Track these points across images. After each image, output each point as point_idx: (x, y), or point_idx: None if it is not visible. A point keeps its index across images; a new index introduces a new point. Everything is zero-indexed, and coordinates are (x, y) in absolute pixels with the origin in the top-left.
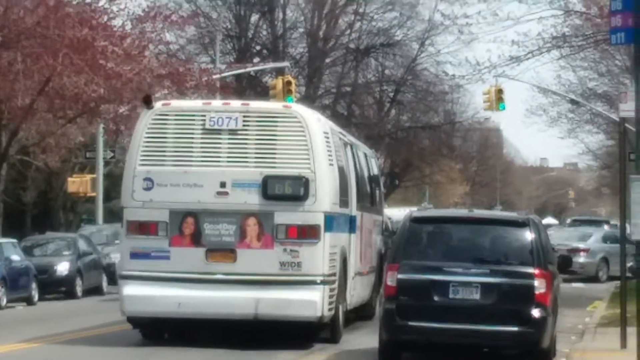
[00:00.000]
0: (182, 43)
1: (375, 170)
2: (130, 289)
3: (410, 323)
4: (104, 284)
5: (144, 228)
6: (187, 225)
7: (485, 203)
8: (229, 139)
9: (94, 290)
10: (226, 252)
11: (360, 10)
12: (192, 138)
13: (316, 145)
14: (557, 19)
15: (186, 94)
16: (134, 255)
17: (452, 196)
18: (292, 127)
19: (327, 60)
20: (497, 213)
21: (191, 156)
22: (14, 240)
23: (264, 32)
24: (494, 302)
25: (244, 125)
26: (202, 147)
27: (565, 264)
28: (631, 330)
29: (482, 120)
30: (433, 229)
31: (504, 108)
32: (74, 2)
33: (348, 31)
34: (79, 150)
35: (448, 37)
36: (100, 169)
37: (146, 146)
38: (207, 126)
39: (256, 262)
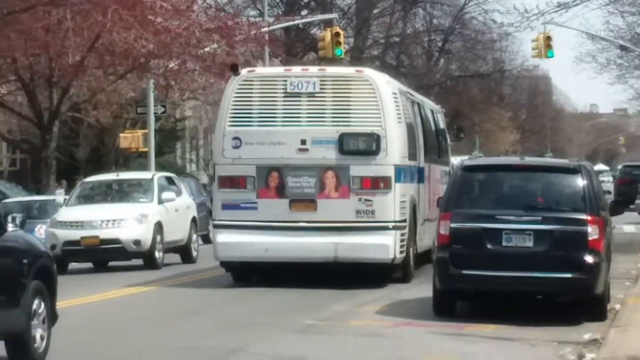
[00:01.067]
0: None
1: (441, 125)
2: (222, 237)
3: (464, 271)
4: None
5: (233, 182)
6: (272, 179)
7: (536, 150)
8: (308, 101)
9: None
10: (307, 202)
11: None
12: (275, 101)
13: (386, 105)
14: None
15: (235, 48)
16: (225, 206)
17: (503, 144)
18: (364, 89)
19: (375, 11)
20: (548, 160)
21: (274, 117)
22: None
23: None
24: (547, 249)
25: (320, 89)
26: (283, 109)
27: (617, 210)
28: None
29: (531, 68)
30: (484, 177)
31: (552, 55)
32: None
33: None
34: (130, 106)
35: None
36: (152, 124)
37: (234, 109)
38: (288, 90)
39: (334, 211)
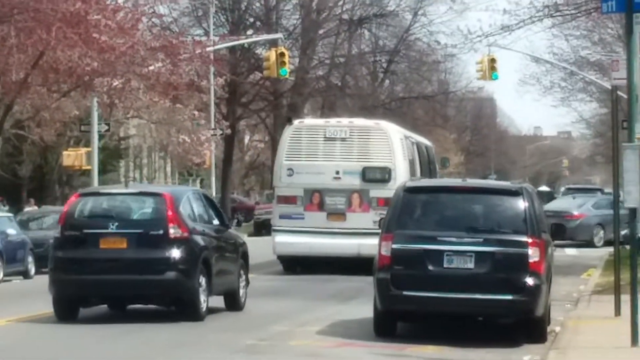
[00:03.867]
0: (176, 16)
1: (432, 157)
2: (279, 238)
3: (405, 292)
4: None
5: (288, 200)
6: (315, 198)
7: (480, 172)
8: (341, 144)
9: None
10: (339, 214)
11: None
12: (317, 143)
13: (395, 147)
14: None
15: (180, 66)
16: (282, 216)
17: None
18: (380, 136)
19: (321, 31)
20: (490, 182)
21: (317, 154)
22: (10, 215)
23: (257, 4)
24: (488, 270)
25: (350, 135)
26: (323, 149)
27: (558, 232)
28: (625, 298)
29: (476, 89)
30: (427, 199)
31: (496, 77)
32: None
33: (341, 2)
34: (74, 124)
35: (440, 6)
36: (95, 142)
37: (289, 148)
38: (327, 135)
39: (358, 221)
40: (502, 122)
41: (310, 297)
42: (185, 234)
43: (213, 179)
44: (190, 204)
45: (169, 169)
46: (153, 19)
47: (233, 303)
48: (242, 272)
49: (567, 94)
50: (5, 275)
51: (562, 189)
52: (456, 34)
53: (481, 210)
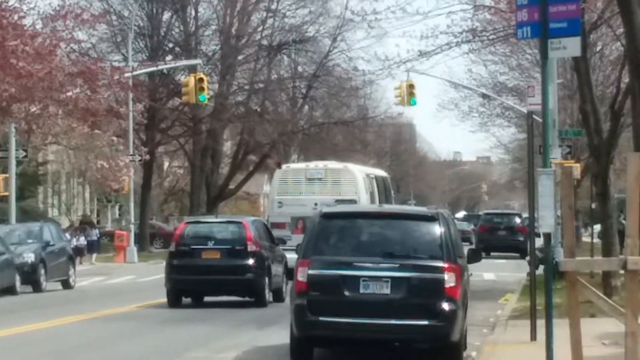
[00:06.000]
0: (94, 41)
1: (388, 186)
2: None
3: (322, 318)
4: (17, 283)
5: (279, 225)
6: (299, 224)
7: (399, 198)
8: (318, 182)
9: (7, 291)
10: None
11: (273, 7)
12: (301, 182)
13: (359, 184)
14: (467, 13)
15: (98, 92)
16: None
17: None
18: (348, 176)
19: (240, 57)
20: (407, 208)
21: (300, 191)
22: None
23: (177, 30)
24: (404, 296)
25: (325, 176)
26: (305, 186)
27: (475, 257)
28: (541, 323)
29: (395, 115)
30: (343, 225)
31: (415, 103)
32: None
33: (260, 28)
34: None
35: (359, 32)
36: (13, 168)
37: (279, 186)
38: (307, 176)
39: None
40: (421, 147)
41: (230, 324)
42: (258, 249)
43: (132, 204)
44: (257, 229)
45: (87, 194)
46: (71, 45)
47: (278, 297)
48: (284, 276)
49: (485, 119)
50: None
51: (481, 213)
52: (375, 59)
53: (397, 235)
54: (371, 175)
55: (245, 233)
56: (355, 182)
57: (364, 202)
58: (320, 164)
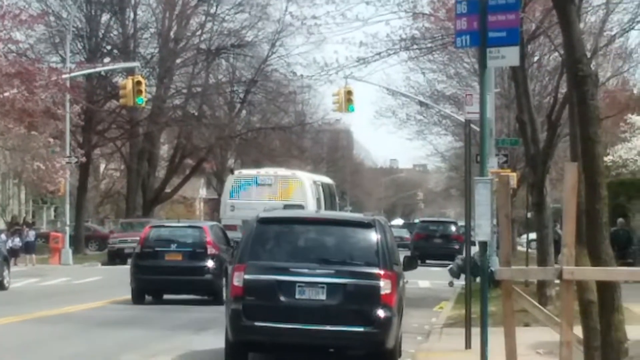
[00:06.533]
0: (32, 42)
1: (334, 192)
2: None
3: (257, 323)
4: None
5: (230, 227)
6: None
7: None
8: (268, 188)
9: None
10: None
11: (212, 11)
12: (251, 187)
13: (306, 190)
14: (406, 21)
15: (35, 93)
16: None
17: None
18: (296, 182)
19: (178, 60)
20: (343, 214)
21: (251, 195)
22: None
23: (115, 32)
24: (340, 302)
25: (274, 182)
26: (256, 192)
27: (411, 264)
28: (475, 331)
29: (333, 121)
30: (279, 230)
31: (352, 110)
32: None
33: (199, 32)
34: None
35: (298, 38)
36: None
37: (231, 191)
38: (258, 182)
39: None
40: (358, 154)
41: (164, 327)
42: (216, 252)
43: (67, 206)
44: (215, 233)
45: (23, 196)
46: (9, 45)
47: None
48: None
49: (422, 127)
50: None
51: (417, 221)
52: (313, 65)
53: (334, 241)
54: (318, 182)
55: (205, 237)
56: (303, 189)
57: (311, 208)
58: (271, 170)
